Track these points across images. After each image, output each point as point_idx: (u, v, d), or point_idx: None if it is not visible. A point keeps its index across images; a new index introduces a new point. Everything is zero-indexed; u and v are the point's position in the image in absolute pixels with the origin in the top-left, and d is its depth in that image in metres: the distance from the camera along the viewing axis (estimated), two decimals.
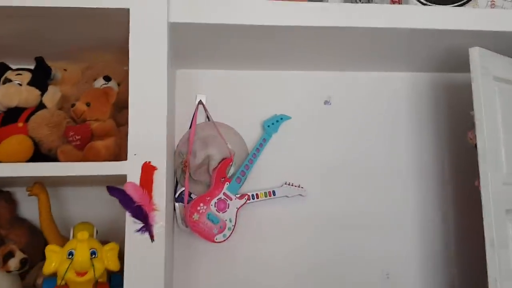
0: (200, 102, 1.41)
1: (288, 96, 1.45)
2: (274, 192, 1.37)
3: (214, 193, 1.31)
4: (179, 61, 1.35)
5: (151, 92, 0.98)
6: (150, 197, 0.94)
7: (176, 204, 1.34)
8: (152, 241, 0.93)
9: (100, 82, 1.09)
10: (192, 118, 1.39)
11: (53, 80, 1.12)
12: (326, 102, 1.47)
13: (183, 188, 1.34)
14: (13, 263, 0.97)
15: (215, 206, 1.29)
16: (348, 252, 1.42)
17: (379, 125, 1.48)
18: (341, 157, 1.45)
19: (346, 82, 1.48)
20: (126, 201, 0.92)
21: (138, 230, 0.93)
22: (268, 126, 1.40)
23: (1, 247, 1.02)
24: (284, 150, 1.42)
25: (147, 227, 0.93)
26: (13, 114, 1.00)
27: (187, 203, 1.31)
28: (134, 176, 0.94)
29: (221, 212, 1.30)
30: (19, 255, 0.98)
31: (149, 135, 0.96)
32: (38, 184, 1.10)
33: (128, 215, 0.93)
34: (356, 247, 1.42)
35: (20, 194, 1.27)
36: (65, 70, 1.15)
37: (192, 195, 1.35)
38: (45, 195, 1.11)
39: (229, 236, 1.29)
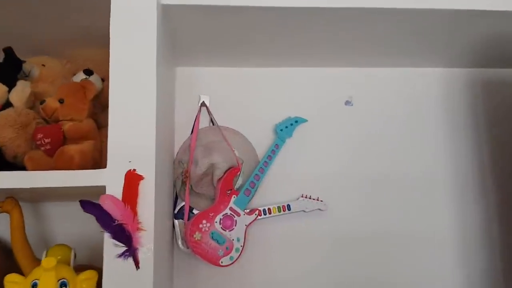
0: (203, 104, 1.23)
1: (303, 96, 1.26)
2: (289, 207, 1.17)
3: (219, 208, 1.12)
4: (178, 57, 1.18)
5: (138, 87, 0.81)
6: (135, 213, 0.76)
7: (176, 221, 1.15)
8: (137, 269, 0.75)
9: (79, 77, 0.92)
10: (194, 122, 1.22)
11: (29, 77, 0.96)
12: (347, 103, 1.28)
13: (184, 203, 1.16)
14: None
15: (220, 224, 1.11)
16: (376, 276, 1.21)
17: (409, 129, 1.28)
18: (366, 166, 1.25)
19: (370, 80, 1.29)
20: (104, 218, 0.74)
21: (120, 255, 0.75)
22: (281, 130, 1.21)
23: None
24: (300, 158, 1.23)
25: (130, 251, 0.75)
26: None
27: (188, 220, 1.13)
28: (115, 188, 0.76)
29: (227, 231, 1.11)
30: None
31: (134, 138, 0.79)
32: (10, 199, 0.93)
33: (106, 236, 0.75)
34: (385, 270, 1.21)
35: None
36: (43, 65, 0.99)
37: (194, 211, 1.16)
38: (18, 212, 0.93)
39: (237, 258, 1.10)
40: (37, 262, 0.92)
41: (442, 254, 1.23)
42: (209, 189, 1.16)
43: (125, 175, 0.77)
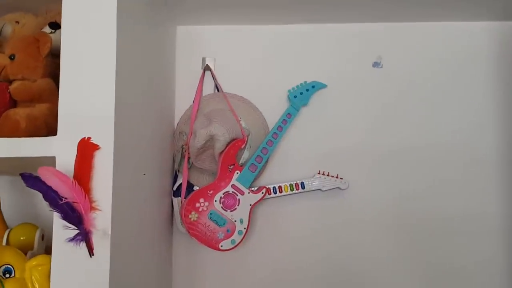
0: (207, 68, 1.08)
1: (322, 57, 1.07)
2: (303, 185, 1.01)
3: (220, 185, 0.98)
4: (178, 14, 1.03)
5: (94, 40, 0.67)
6: (87, 189, 0.63)
7: (174, 199, 1.03)
8: (90, 256, 0.63)
9: (45, 32, 0.79)
10: (197, 88, 1.07)
11: (1, 36, 0.85)
12: (375, 64, 1.08)
13: (181, 179, 1.03)
14: None
15: (220, 203, 0.97)
16: (404, 264, 1.03)
17: (449, 96, 1.06)
18: (395, 139, 1.05)
19: (402, 37, 1.07)
20: (51, 195, 0.62)
21: (71, 239, 0.63)
22: (295, 97, 1.04)
23: None
24: (317, 129, 1.06)
25: (82, 235, 0.62)
26: None
27: (186, 198, 1.00)
28: (66, 159, 0.64)
29: (228, 211, 0.97)
30: None
31: (89, 103, 0.65)
32: None
33: (56, 216, 0.63)
34: (415, 258, 1.03)
35: None
36: (17, 22, 0.87)
37: (195, 188, 1.03)
38: None
39: (240, 242, 0.96)
40: None
41: (489, 242, 1.02)
42: (211, 163, 1.02)
43: (78, 143, 0.64)
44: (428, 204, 1.03)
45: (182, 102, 1.08)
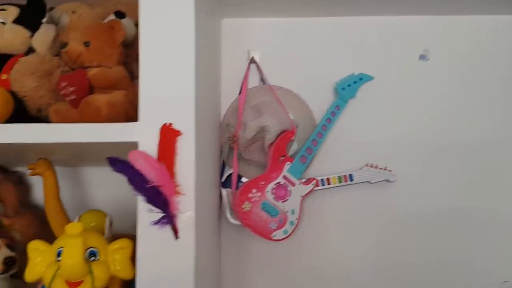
0: (253, 61, 1.09)
1: (370, 49, 1.09)
2: (351, 177, 1.02)
3: (271, 176, 0.99)
4: (224, 6, 1.04)
5: (173, 29, 0.68)
6: (172, 174, 0.64)
7: (223, 190, 1.03)
8: (175, 238, 0.63)
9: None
10: (243, 81, 1.08)
11: (58, 26, 0.86)
12: (422, 57, 1.09)
13: (232, 170, 1.04)
14: None
15: (272, 194, 0.98)
16: (451, 258, 1.04)
17: (496, 89, 1.07)
18: (442, 131, 1.06)
19: (449, 30, 1.08)
20: (137, 179, 0.63)
21: (156, 222, 0.63)
22: (343, 89, 1.05)
23: None
24: (365, 121, 1.07)
25: (168, 218, 0.63)
26: None
27: (236, 189, 1.01)
28: (148, 145, 0.65)
29: (280, 201, 0.98)
30: (3, 254, 0.73)
31: (170, 89, 0.66)
32: (42, 160, 0.85)
33: (141, 200, 0.64)
34: (463, 251, 1.04)
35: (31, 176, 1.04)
36: (73, 12, 0.88)
37: (242, 179, 1.04)
38: (52, 175, 0.85)
39: (292, 232, 0.97)
40: None
41: None
42: (259, 155, 1.03)
43: (160, 129, 0.65)
44: (476, 200, 1.04)
45: (228, 95, 1.09)
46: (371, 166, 1.03)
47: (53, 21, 0.83)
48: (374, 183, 1.03)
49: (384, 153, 1.05)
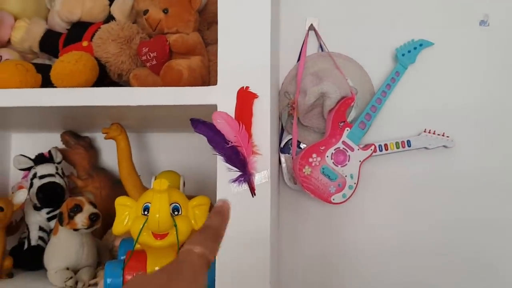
0: (311, 28, 1.10)
1: (429, 15, 1.07)
2: (409, 143, 1.03)
3: (331, 141, 1.01)
4: None
5: None
6: (249, 134, 0.67)
7: (282, 155, 1.06)
8: (253, 196, 0.67)
9: None
10: (301, 49, 1.09)
11: None
12: (482, 22, 1.07)
13: (290, 136, 1.06)
14: (80, 219, 0.77)
15: (331, 158, 1.00)
16: (508, 224, 1.04)
17: None
18: (502, 97, 1.05)
19: None
20: (217, 139, 0.66)
21: (234, 180, 0.67)
22: (403, 55, 1.05)
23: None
24: (424, 87, 1.07)
25: (245, 177, 0.66)
26: (77, 32, 0.79)
27: (295, 154, 1.04)
28: (226, 107, 0.68)
29: (339, 166, 1.00)
30: (88, 210, 0.78)
31: (246, 54, 0.69)
32: (115, 125, 0.90)
33: (220, 159, 0.67)
34: None
35: (101, 140, 1.10)
36: None
37: (301, 145, 1.06)
38: (125, 139, 0.90)
39: (350, 196, 0.99)
40: (144, 189, 0.88)
41: None
42: (318, 121, 1.05)
43: (238, 92, 0.67)
44: None
45: (286, 63, 1.10)
46: (428, 132, 1.03)
47: None
48: (431, 149, 1.03)
49: (442, 119, 1.05)
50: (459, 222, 1.04)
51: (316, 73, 1.04)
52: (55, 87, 0.73)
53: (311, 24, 1.10)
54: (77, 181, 0.98)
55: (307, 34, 1.10)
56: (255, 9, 0.69)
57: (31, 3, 0.92)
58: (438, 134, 1.03)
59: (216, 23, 0.73)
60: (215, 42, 0.74)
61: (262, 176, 0.67)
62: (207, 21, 0.82)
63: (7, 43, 0.88)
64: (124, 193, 0.92)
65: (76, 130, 1.07)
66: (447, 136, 1.03)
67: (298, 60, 1.09)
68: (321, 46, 1.10)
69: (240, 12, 0.69)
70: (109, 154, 1.09)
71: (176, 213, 0.68)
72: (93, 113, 0.82)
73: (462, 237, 1.04)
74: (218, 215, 0.45)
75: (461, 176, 1.05)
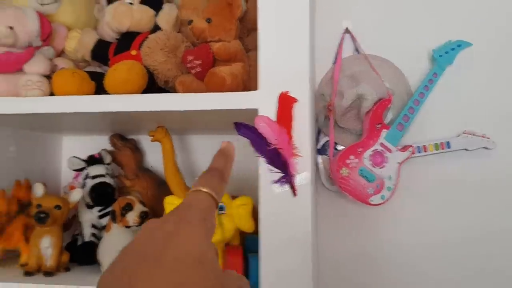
0: (347, 30, 1.12)
1: (467, 15, 1.07)
2: (448, 144, 1.03)
3: (368, 143, 1.02)
4: None
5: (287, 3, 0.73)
6: (290, 137, 0.70)
7: (319, 157, 1.09)
8: (294, 196, 0.70)
9: None
10: (337, 51, 1.11)
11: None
12: None
13: (327, 138, 1.08)
14: (131, 217, 0.82)
15: (369, 160, 1.01)
16: None
17: None
18: None
19: None
20: (259, 142, 0.69)
21: (276, 181, 0.70)
22: (440, 56, 1.05)
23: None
24: (463, 88, 1.07)
25: (287, 178, 0.69)
26: (125, 41, 0.84)
27: (333, 156, 1.06)
28: (267, 111, 0.71)
29: (377, 167, 1.01)
30: (138, 208, 0.83)
31: (286, 60, 0.72)
32: (161, 128, 0.95)
33: (262, 161, 0.71)
34: None
35: (146, 142, 1.15)
36: None
37: (337, 147, 1.08)
38: (169, 141, 0.95)
39: (389, 198, 1.01)
40: (187, 189, 0.93)
41: None
42: (355, 123, 1.06)
43: (279, 97, 0.70)
44: None
45: (321, 65, 1.12)
46: (468, 133, 1.03)
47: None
48: (471, 150, 1.03)
49: (482, 120, 1.05)
50: (500, 224, 1.04)
51: (353, 75, 1.06)
52: (107, 93, 0.78)
53: (347, 27, 1.12)
54: (125, 181, 1.03)
55: (343, 37, 1.12)
56: (294, 16, 0.72)
57: (82, 15, 0.98)
58: (478, 135, 1.03)
59: (255, 30, 0.77)
60: (255, 48, 0.77)
61: (303, 177, 0.70)
62: (246, 28, 0.85)
63: (62, 53, 0.95)
64: (168, 192, 0.97)
65: (122, 133, 1.12)
66: (488, 137, 1.03)
67: (334, 62, 1.11)
68: (356, 48, 1.11)
69: (279, 19, 0.72)
70: (153, 155, 1.14)
71: (221, 211, 0.71)
72: (140, 117, 0.86)
73: (505, 240, 1.04)
74: (222, 157, 0.46)
75: (502, 178, 1.04)
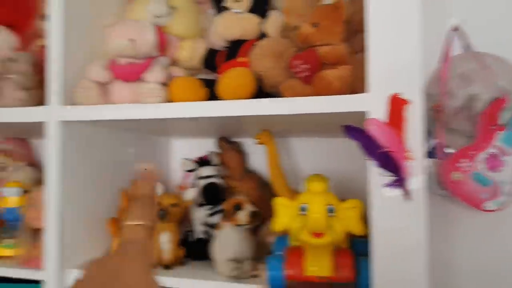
0: (455, 27, 1.06)
1: None
2: None
3: (481, 145, 0.96)
4: None
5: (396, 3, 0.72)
6: (401, 140, 0.68)
7: (428, 160, 1.04)
8: (407, 199, 0.68)
9: (327, 1, 0.87)
10: (445, 49, 1.06)
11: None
12: None
13: (436, 140, 1.04)
14: (242, 217, 0.86)
15: (483, 163, 0.95)
16: None
17: None
18: None
19: None
20: (369, 145, 0.69)
21: (388, 185, 0.69)
22: None
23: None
24: None
25: (399, 182, 0.68)
26: (233, 49, 0.88)
27: (443, 159, 1.01)
28: (377, 114, 0.70)
29: (492, 171, 0.95)
30: (247, 208, 0.87)
31: (395, 61, 0.71)
32: (266, 132, 0.98)
33: (372, 164, 0.70)
34: None
35: (248, 145, 1.19)
36: None
37: (447, 150, 1.03)
38: (273, 144, 0.98)
39: (506, 204, 0.94)
40: (292, 191, 0.95)
41: None
42: (466, 125, 1.01)
43: (390, 99, 0.69)
44: None
45: (428, 64, 1.07)
46: None
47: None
48: None
49: None
50: None
51: (463, 74, 1.01)
52: (218, 99, 0.83)
53: (455, 24, 1.06)
54: (232, 182, 1.08)
55: (451, 35, 1.06)
56: (404, 15, 0.71)
57: (192, 25, 1.04)
58: None
59: (361, 31, 0.76)
60: (361, 50, 0.77)
61: (416, 181, 0.68)
62: (352, 30, 0.85)
63: (175, 62, 1.02)
64: (270, 193, 1.00)
65: (226, 135, 1.18)
66: None
67: (441, 61, 1.06)
68: (466, 46, 1.05)
69: (388, 19, 0.72)
70: (256, 157, 1.18)
71: (330, 214, 0.72)
72: (246, 121, 0.90)
73: None
74: (146, 182, 0.48)
75: None
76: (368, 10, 0.72)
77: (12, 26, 1.17)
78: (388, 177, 0.69)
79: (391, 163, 0.68)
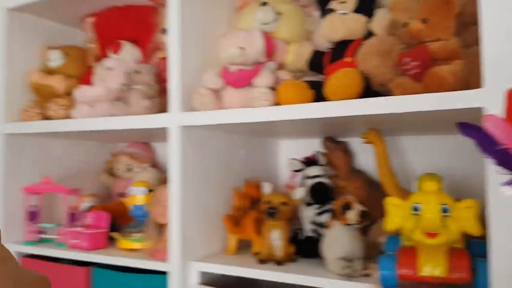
0: None
1: None
2: None
3: None
4: None
5: None
6: None
7: None
8: None
9: None
10: None
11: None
12: None
13: None
14: (352, 216, 0.87)
15: None
16: None
17: None
18: None
19: None
20: (486, 142, 0.66)
21: (507, 184, 0.66)
22: None
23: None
24: None
25: None
26: (339, 49, 0.89)
27: None
28: (494, 110, 0.67)
29: None
30: (357, 208, 0.88)
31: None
32: (373, 131, 0.98)
33: (490, 162, 0.67)
34: None
35: (354, 144, 1.19)
36: None
37: None
38: (382, 143, 0.97)
39: None
40: (404, 191, 0.93)
41: None
42: None
43: (507, 93, 0.66)
44: None
45: None
46: None
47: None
48: None
49: None
50: None
51: None
52: (324, 100, 0.85)
53: None
54: (338, 182, 1.10)
55: None
56: None
57: (298, 29, 1.08)
58: None
59: (474, 24, 0.73)
60: (475, 43, 0.74)
61: None
62: (464, 23, 0.82)
63: (282, 65, 1.06)
64: (380, 193, 0.99)
65: (333, 135, 1.19)
66: None
67: None
68: None
69: (503, 10, 0.68)
70: (363, 157, 1.18)
71: (445, 214, 0.70)
72: (353, 120, 0.91)
73: None
74: None
75: None
76: (481, 1, 0.69)
77: (135, 40, 1.31)
78: (507, 176, 0.65)
79: (510, 161, 0.64)
